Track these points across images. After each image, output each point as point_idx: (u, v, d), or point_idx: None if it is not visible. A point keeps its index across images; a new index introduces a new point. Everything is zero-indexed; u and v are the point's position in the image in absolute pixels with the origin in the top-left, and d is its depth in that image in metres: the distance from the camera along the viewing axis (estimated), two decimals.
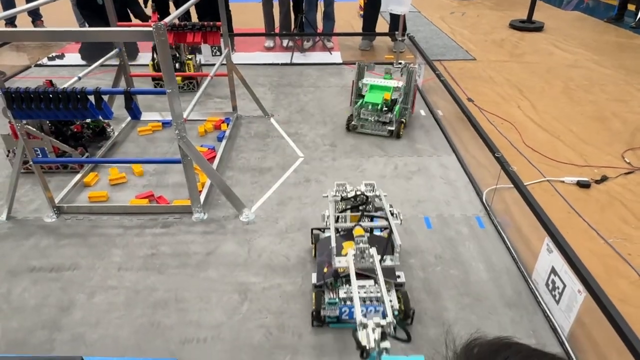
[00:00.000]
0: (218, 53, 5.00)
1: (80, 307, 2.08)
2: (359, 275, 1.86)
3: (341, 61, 5.25)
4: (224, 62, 3.51)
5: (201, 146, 3.29)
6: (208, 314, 2.05)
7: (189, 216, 2.66)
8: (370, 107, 3.47)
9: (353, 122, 3.57)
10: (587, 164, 3.25)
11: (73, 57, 5.20)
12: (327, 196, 2.22)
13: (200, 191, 2.75)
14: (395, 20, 5.08)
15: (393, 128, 3.49)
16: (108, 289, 2.18)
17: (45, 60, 5.14)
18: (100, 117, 2.32)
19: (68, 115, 2.29)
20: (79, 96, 2.20)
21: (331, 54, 5.47)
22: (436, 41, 6.04)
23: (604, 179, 3.05)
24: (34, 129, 2.86)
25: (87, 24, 5.12)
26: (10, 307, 2.09)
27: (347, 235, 2.08)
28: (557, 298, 1.97)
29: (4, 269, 2.28)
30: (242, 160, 3.27)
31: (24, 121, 2.47)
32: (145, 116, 3.59)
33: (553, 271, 1.99)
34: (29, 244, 2.46)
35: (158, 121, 3.68)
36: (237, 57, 5.20)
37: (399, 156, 3.31)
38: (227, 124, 3.65)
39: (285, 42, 5.74)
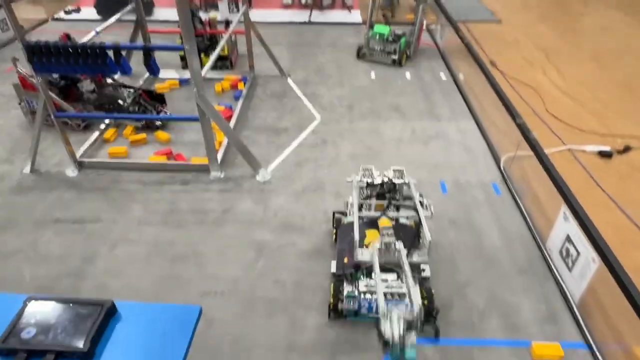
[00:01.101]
0: (235, 10, 4.88)
1: (103, 258, 2.16)
2: (382, 268, 1.75)
3: (360, 20, 5.10)
4: (242, 19, 3.44)
5: (218, 104, 3.28)
6: (225, 269, 2.11)
7: (207, 174, 2.69)
8: (377, 37, 3.92)
9: (363, 51, 4.06)
10: (610, 133, 3.16)
11: (89, 11, 5.14)
12: (352, 181, 2.00)
13: (218, 150, 2.77)
14: None
15: (396, 57, 3.94)
16: (129, 241, 2.25)
17: (62, 14, 5.10)
18: (119, 73, 2.32)
19: (86, 70, 2.30)
20: (98, 51, 2.20)
21: (350, 12, 5.30)
22: (460, 2, 5.78)
23: (627, 149, 2.97)
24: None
25: None
26: (37, 255, 2.18)
27: (371, 222, 1.98)
28: (570, 266, 1.97)
29: (30, 220, 2.36)
30: (258, 119, 3.26)
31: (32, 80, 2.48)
32: (163, 73, 3.57)
33: (568, 239, 1.99)
34: (53, 197, 2.53)
35: (176, 79, 3.66)
36: (255, 15, 5.05)
37: (417, 120, 3.27)
38: (244, 83, 3.62)
39: (303, 0, 5.57)
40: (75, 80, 3.06)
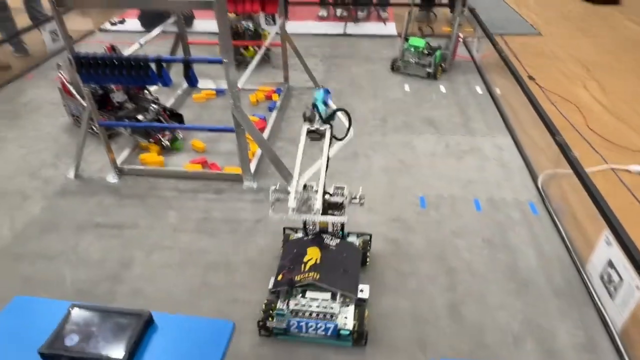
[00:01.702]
0: (272, 22, 4.98)
1: (139, 263, 2.23)
2: (316, 288, 1.76)
3: (395, 33, 5.09)
4: (279, 31, 3.50)
5: (253, 115, 3.34)
6: (255, 280, 2.14)
7: (240, 184, 2.74)
8: (413, 50, 3.93)
9: (398, 63, 4.06)
10: None
11: (133, 22, 5.36)
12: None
13: (251, 160, 2.82)
14: None
15: (431, 70, 3.92)
16: (164, 248, 2.32)
17: (107, 25, 5.35)
18: (160, 84, 2.40)
19: (130, 81, 2.39)
20: (141, 63, 2.29)
21: (385, 24, 5.31)
22: (498, 13, 5.70)
23: None
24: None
25: None
26: (78, 258, 2.27)
27: (316, 239, 1.98)
28: (611, 292, 1.89)
29: (73, 223, 2.47)
30: (291, 131, 3.30)
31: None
32: (200, 83, 3.68)
33: (610, 264, 1.90)
34: (94, 202, 2.64)
35: (212, 89, 3.76)
36: (290, 26, 5.14)
37: (451, 134, 3.22)
38: (279, 95, 3.68)
39: (339, 12, 5.63)
40: (108, 91, 3.17)
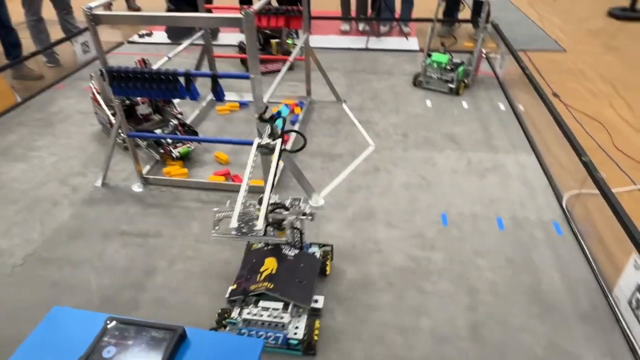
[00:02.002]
0: (295, 36, 5.05)
1: (162, 272, 2.28)
2: (270, 297, 1.81)
3: (418, 48, 5.11)
4: (303, 45, 3.56)
5: None
6: None
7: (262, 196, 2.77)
8: (435, 65, 3.94)
9: (420, 78, 4.10)
10: None
11: (160, 35, 5.51)
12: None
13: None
14: (479, 6, 4.83)
15: (454, 86, 3.93)
16: (187, 258, 2.36)
17: (135, 37, 5.51)
18: (188, 98, 2.46)
19: (159, 94, 2.46)
20: (170, 77, 2.36)
21: (407, 39, 5.34)
22: (522, 29, 5.67)
23: None
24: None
25: (172, 6, 5.40)
26: (103, 265, 2.33)
27: (274, 250, 2.02)
28: None
29: (99, 231, 2.53)
30: (313, 144, 3.33)
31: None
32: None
33: (639, 289, 1.86)
34: (120, 210, 2.70)
35: (236, 101, 3.83)
36: (312, 40, 5.21)
37: (474, 151, 3.21)
38: (301, 108, 3.72)
39: (361, 26, 5.68)
40: (134, 104, 3.26)
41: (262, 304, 1.82)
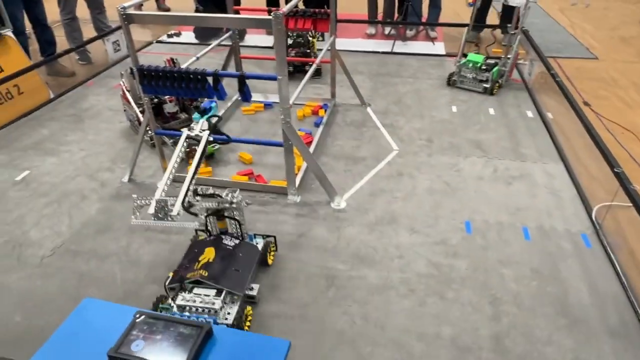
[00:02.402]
0: (321, 39, 5.07)
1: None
2: (202, 284, 1.89)
3: (444, 52, 5.06)
4: (329, 48, 3.56)
5: (299, 130, 3.39)
6: (296, 293, 2.15)
7: (284, 197, 2.79)
8: (470, 65, 3.99)
9: (454, 78, 4.13)
10: None
11: (188, 35, 5.61)
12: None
13: (296, 174, 2.86)
14: (508, 12, 4.75)
15: (488, 85, 3.96)
16: None
17: (164, 37, 5.62)
18: (215, 98, 2.49)
19: (187, 94, 2.50)
20: (199, 77, 2.39)
21: (434, 44, 5.29)
22: (552, 36, 5.56)
23: None
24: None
25: (200, 7, 5.48)
26: (128, 260, 2.37)
27: (215, 240, 2.10)
28: None
29: (126, 226, 2.59)
30: (336, 147, 3.33)
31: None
32: None
33: None
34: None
35: (261, 102, 3.87)
36: (338, 43, 5.22)
37: (500, 159, 3.15)
38: (325, 110, 3.73)
39: (387, 30, 5.66)
40: (162, 102, 3.31)
41: (196, 290, 1.91)
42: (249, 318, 1.95)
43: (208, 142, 2.13)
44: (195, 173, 2.01)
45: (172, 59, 3.28)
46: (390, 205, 2.73)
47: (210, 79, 2.41)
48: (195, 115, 2.20)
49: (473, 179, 2.93)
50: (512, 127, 3.54)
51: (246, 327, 1.90)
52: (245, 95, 2.46)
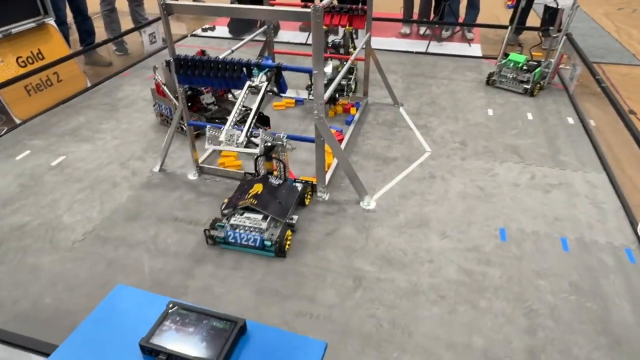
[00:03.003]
0: (355, 36, 5.00)
1: (211, 262, 2.29)
2: (254, 211, 2.26)
3: (481, 54, 4.92)
4: (364, 46, 3.50)
5: (330, 127, 3.34)
6: (322, 293, 2.11)
7: (313, 194, 2.74)
8: (512, 64, 3.90)
9: (493, 77, 4.07)
10: None
11: (222, 29, 5.64)
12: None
13: (326, 172, 2.81)
14: (551, 14, 4.57)
15: (529, 86, 3.85)
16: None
17: (199, 31, 5.67)
18: (275, 89, 2.43)
19: (222, 84, 2.48)
20: (235, 67, 2.37)
21: (470, 45, 5.16)
22: (596, 41, 5.33)
23: None
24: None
25: (236, 1, 5.51)
26: (157, 249, 2.38)
27: (262, 179, 2.48)
28: None
29: (155, 215, 2.60)
30: (367, 146, 3.27)
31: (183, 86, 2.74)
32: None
33: None
34: (175, 196, 2.76)
35: (292, 98, 3.84)
36: (372, 42, 5.15)
37: (538, 165, 3.02)
38: (357, 109, 3.67)
39: (422, 30, 5.55)
40: (198, 93, 3.32)
41: (246, 214, 2.27)
42: (289, 239, 2.28)
43: (266, 92, 2.36)
44: (257, 112, 2.27)
45: (202, 51, 3.29)
46: (421, 208, 2.66)
47: (244, 70, 2.38)
48: (255, 70, 2.34)
49: (509, 185, 2.82)
50: (552, 133, 3.40)
51: (287, 246, 2.26)
52: (280, 87, 2.43)
